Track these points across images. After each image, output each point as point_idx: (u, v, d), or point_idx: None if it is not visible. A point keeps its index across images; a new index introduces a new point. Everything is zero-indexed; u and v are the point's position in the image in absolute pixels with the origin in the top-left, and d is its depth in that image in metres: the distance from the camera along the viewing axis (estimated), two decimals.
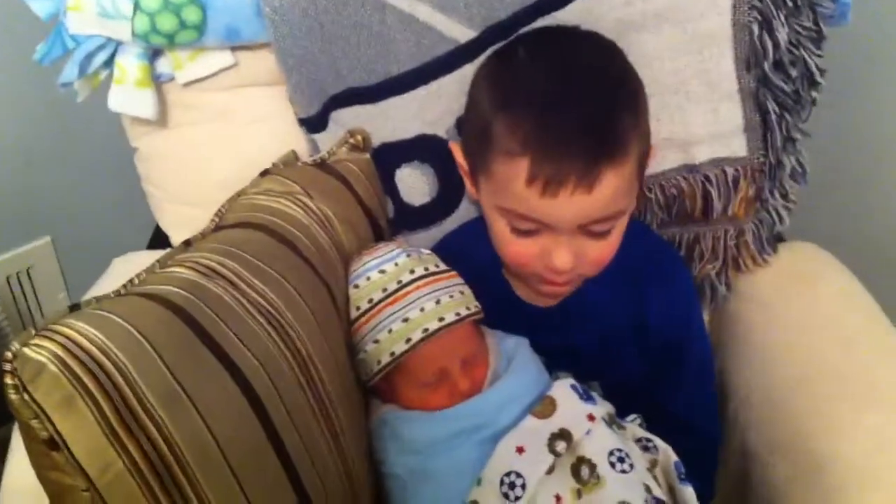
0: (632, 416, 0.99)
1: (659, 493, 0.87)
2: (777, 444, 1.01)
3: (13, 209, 1.70)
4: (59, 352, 0.69)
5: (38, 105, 1.57)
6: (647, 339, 1.01)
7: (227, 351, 0.78)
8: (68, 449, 0.68)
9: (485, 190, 0.97)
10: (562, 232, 0.91)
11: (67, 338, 0.70)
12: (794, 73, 1.04)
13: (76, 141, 1.68)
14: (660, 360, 1.01)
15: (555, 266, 0.92)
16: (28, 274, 1.77)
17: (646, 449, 0.92)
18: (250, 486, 0.77)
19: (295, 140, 1.11)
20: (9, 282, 1.74)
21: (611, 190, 0.88)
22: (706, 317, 1.19)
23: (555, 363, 0.99)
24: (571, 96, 0.90)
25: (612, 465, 0.85)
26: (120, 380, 0.70)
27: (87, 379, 0.68)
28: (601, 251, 0.95)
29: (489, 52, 1.01)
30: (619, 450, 0.87)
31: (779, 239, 1.17)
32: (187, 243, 0.90)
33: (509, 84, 0.96)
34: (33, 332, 0.70)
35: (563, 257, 0.91)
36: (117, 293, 0.80)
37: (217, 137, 1.12)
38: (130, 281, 0.82)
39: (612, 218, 0.92)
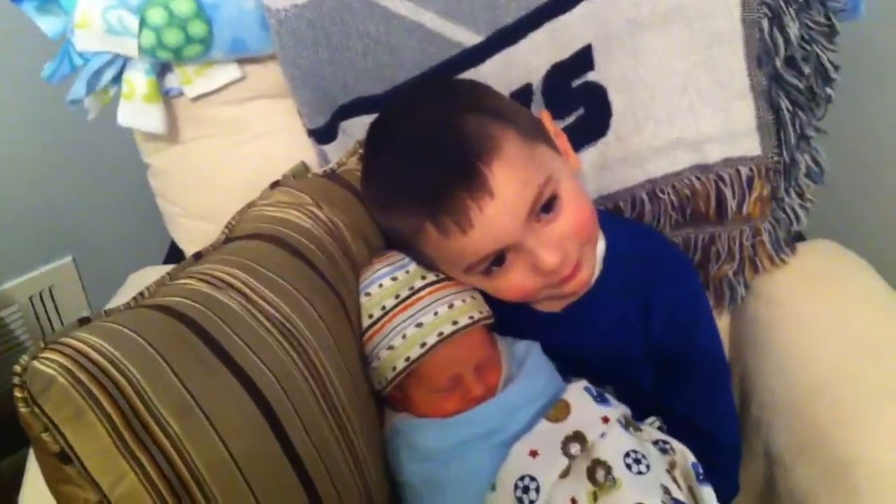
0: (650, 419, 0.98)
1: (678, 494, 0.85)
2: (800, 448, 0.99)
3: (34, 229, 1.71)
4: (69, 364, 0.69)
5: (56, 125, 1.57)
6: (654, 344, 0.99)
7: (240, 362, 0.78)
8: (80, 461, 0.69)
9: (444, 270, 0.97)
10: (520, 240, 0.89)
11: (76, 350, 0.70)
12: (806, 69, 1.03)
13: (96, 160, 1.69)
14: (668, 365, 0.99)
15: (548, 267, 0.89)
16: (51, 293, 1.78)
17: (663, 451, 0.91)
18: (266, 498, 0.77)
19: (305, 151, 1.11)
20: (32, 302, 1.76)
21: (510, 177, 0.86)
22: (725, 318, 1.18)
23: (565, 369, 0.98)
24: (413, 145, 0.92)
25: (629, 466, 0.84)
26: (130, 391, 0.70)
27: (97, 391, 0.69)
28: (571, 217, 0.92)
29: (495, 57, 1.01)
30: (635, 451, 0.85)
31: (799, 238, 1.16)
32: (198, 256, 0.91)
33: (367, 187, 1.01)
34: (42, 345, 0.70)
35: (545, 256, 0.89)
36: (127, 306, 0.80)
37: (228, 151, 1.13)
38: (141, 294, 0.83)
39: (541, 193, 0.89)
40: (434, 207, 0.87)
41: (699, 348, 1.00)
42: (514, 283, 0.93)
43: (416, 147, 0.91)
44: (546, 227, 0.90)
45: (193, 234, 1.16)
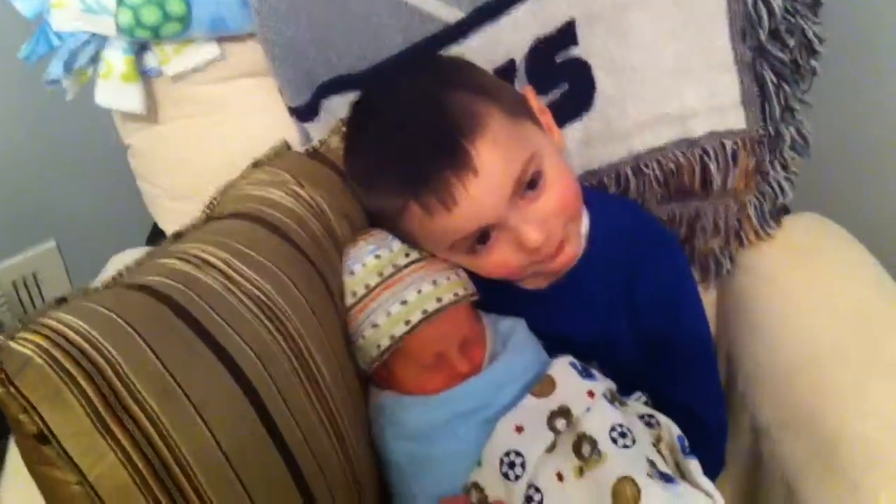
0: (636, 394, 0.97)
1: (664, 467, 0.85)
2: (785, 421, 0.99)
3: (17, 214, 1.70)
4: (45, 344, 0.68)
5: (38, 108, 1.57)
6: (639, 320, 0.99)
7: (220, 340, 0.77)
8: (58, 442, 0.68)
9: (427, 248, 0.96)
10: (504, 218, 0.89)
11: (53, 330, 0.70)
12: (791, 42, 1.02)
13: (79, 143, 1.67)
14: (653, 342, 0.99)
15: (532, 245, 0.89)
16: (34, 278, 1.77)
17: (649, 425, 0.91)
18: (250, 478, 0.76)
19: (287, 130, 1.10)
20: (15, 287, 1.75)
21: (494, 154, 0.86)
22: (712, 293, 1.19)
23: (551, 346, 0.97)
24: (397, 123, 0.91)
25: (614, 440, 0.84)
26: (109, 371, 0.70)
27: (74, 371, 0.68)
28: (555, 194, 0.91)
29: (477, 34, 1.01)
30: (621, 425, 0.85)
31: (784, 211, 1.15)
32: (178, 235, 0.90)
33: (350, 166, 1.00)
34: (20, 325, 0.70)
35: (530, 234, 0.89)
36: (106, 286, 0.80)
37: (209, 131, 1.12)
38: (120, 273, 0.82)
39: (525, 170, 0.88)
40: (418, 186, 0.87)
41: (684, 325, 1.00)
42: (499, 260, 0.93)
43: (398, 125, 0.90)
44: (530, 205, 0.90)
45: (175, 216, 1.15)
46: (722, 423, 1.04)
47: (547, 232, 0.90)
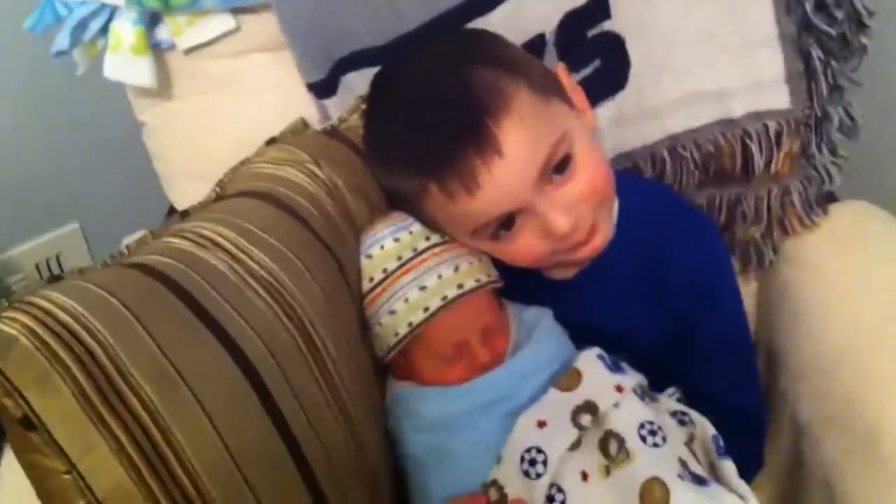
0: (670, 390, 0.93)
1: (696, 467, 0.80)
2: (828, 417, 0.94)
3: (41, 195, 1.70)
4: (33, 324, 0.65)
5: (62, 90, 1.55)
6: (670, 308, 0.93)
7: (223, 323, 0.73)
8: (45, 428, 0.64)
9: (448, 233, 0.91)
10: (530, 203, 0.83)
11: (42, 310, 0.66)
12: (839, 14, 0.96)
13: (102, 125, 1.65)
14: (683, 333, 0.93)
15: (560, 232, 0.83)
16: (57, 260, 1.77)
17: (681, 423, 0.86)
18: (252, 466, 0.71)
19: (305, 107, 1.06)
20: (38, 269, 1.74)
21: (521, 134, 0.81)
22: (753, 284, 1.13)
23: (579, 337, 0.92)
24: (417, 101, 0.86)
25: (643, 438, 0.79)
26: (101, 354, 0.66)
27: (63, 353, 0.64)
28: (585, 178, 0.86)
29: (505, 5, 0.96)
30: (651, 422, 0.80)
31: (830, 198, 1.09)
32: (185, 214, 0.86)
33: (368, 145, 0.95)
34: (6, 303, 0.66)
35: (557, 220, 0.83)
36: (104, 264, 0.76)
37: (223, 107, 1.08)
38: (120, 252, 0.78)
39: (554, 152, 0.83)
40: (438, 167, 0.82)
41: (718, 314, 0.94)
42: (523, 247, 0.87)
43: (419, 102, 0.86)
44: (558, 189, 0.85)
45: (190, 197, 1.10)
46: (760, 419, 0.99)
47: (576, 218, 0.84)
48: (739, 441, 0.86)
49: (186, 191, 1.13)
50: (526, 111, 0.82)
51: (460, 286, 0.88)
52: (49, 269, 1.74)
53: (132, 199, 1.70)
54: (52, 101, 1.60)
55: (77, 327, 0.66)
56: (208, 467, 0.68)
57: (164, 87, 1.05)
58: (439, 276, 0.88)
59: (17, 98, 1.58)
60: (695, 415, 0.87)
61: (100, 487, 0.65)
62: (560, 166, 0.84)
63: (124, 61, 0.98)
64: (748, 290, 1.11)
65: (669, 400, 0.90)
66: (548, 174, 0.83)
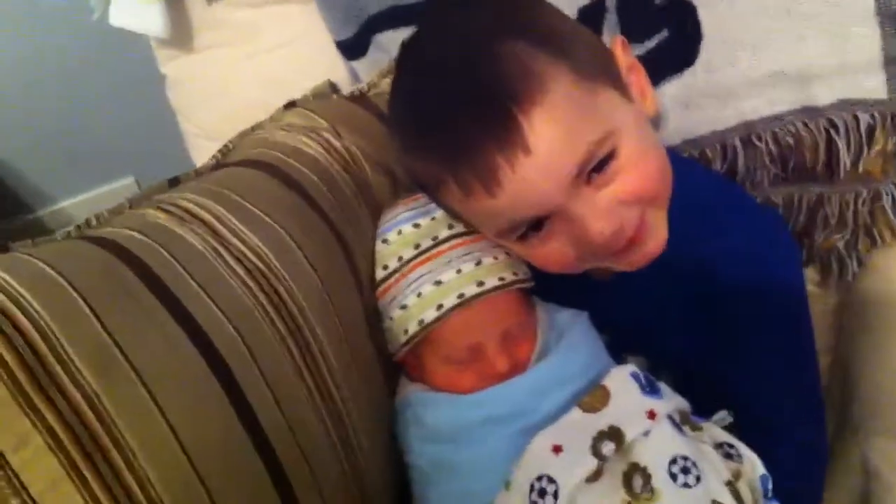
0: (720, 414, 0.80)
1: None
2: None
3: (97, 149, 1.71)
4: None
5: (119, 46, 1.50)
6: (718, 315, 0.81)
7: (189, 309, 0.65)
8: None
9: (475, 226, 0.81)
10: (563, 205, 0.72)
11: None
12: None
13: (159, 81, 1.63)
14: (730, 339, 0.81)
15: (597, 240, 0.72)
16: None
17: (728, 456, 0.74)
18: (211, 467, 0.63)
19: (333, 67, 0.98)
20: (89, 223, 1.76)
21: (553, 129, 0.69)
22: (833, 297, 1.01)
23: (616, 345, 0.83)
24: (440, 76, 0.73)
25: (673, 476, 0.68)
26: (35, 336, 0.58)
27: None
28: (632, 180, 0.73)
29: None
30: (685, 458, 0.69)
31: None
32: (174, 181, 0.78)
33: (390, 119, 0.83)
34: None
35: (593, 225, 0.71)
36: (65, 236, 0.69)
37: (246, 61, 1.02)
38: (87, 222, 0.72)
39: (593, 153, 0.71)
40: (456, 161, 0.72)
41: (774, 326, 0.82)
42: (555, 253, 0.76)
43: (444, 80, 0.73)
44: (598, 191, 0.73)
45: None
46: (816, 444, 0.86)
47: (617, 223, 0.72)
48: (787, 471, 0.75)
49: (209, 151, 1.05)
50: (563, 100, 0.70)
51: (480, 284, 0.79)
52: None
53: (187, 156, 1.71)
54: (110, 56, 1.59)
55: (10, 306, 0.58)
56: (160, 471, 0.61)
57: (184, 37, 1.00)
58: (458, 271, 0.80)
59: (74, 52, 1.58)
60: (743, 448, 0.75)
61: (34, 486, 0.57)
62: (601, 163, 0.72)
63: (132, 8, 0.92)
64: (827, 306, 1.00)
65: (715, 428, 0.78)
66: (585, 174, 0.72)
